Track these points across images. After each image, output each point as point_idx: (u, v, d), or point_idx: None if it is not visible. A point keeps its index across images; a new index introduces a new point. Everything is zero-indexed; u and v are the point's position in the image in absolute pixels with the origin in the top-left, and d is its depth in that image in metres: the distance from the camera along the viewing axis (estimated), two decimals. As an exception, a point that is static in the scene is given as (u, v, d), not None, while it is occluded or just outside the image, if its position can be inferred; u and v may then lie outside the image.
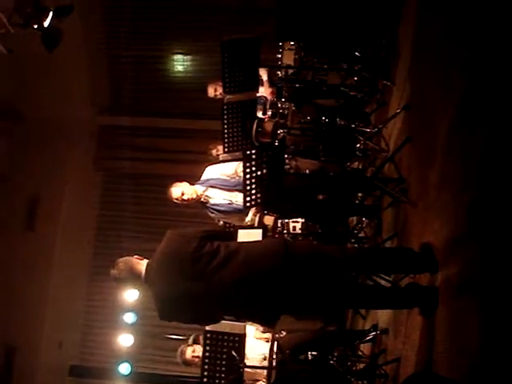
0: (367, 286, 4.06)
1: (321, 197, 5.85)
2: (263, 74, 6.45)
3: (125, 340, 7.81)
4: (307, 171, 6.00)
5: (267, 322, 3.71)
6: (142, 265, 3.58)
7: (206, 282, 3.37)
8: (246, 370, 4.31)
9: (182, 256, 3.45)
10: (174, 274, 3.44)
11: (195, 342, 5.05)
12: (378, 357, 4.80)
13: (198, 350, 4.82)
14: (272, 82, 6.53)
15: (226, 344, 4.01)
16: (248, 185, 4.03)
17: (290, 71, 6.34)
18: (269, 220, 5.19)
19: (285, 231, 6.20)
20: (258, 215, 5.05)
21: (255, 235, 3.71)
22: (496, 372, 2.50)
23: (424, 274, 3.51)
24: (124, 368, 7.62)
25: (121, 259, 3.64)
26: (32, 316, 9.01)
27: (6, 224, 9.12)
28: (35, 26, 6.01)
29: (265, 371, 4.67)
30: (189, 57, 9.95)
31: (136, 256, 3.65)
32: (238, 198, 5.11)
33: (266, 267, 3.33)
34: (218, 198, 5.31)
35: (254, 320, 3.92)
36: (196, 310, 3.52)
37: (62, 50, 6.47)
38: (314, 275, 3.40)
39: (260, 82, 6.11)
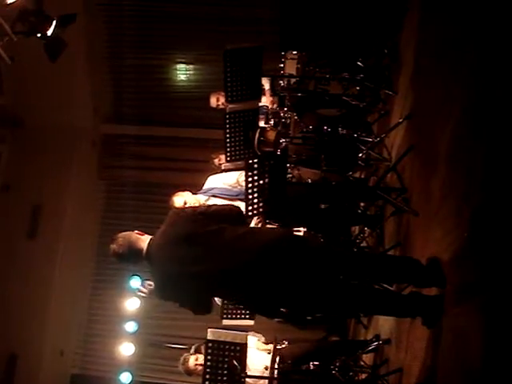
0: (372, 287, 4.00)
1: (323, 206, 5.84)
2: (265, 84, 6.47)
3: (126, 349, 7.78)
4: (309, 180, 6.00)
5: (267, 313, 3.62)
6: (143, 241, 3.51)
7: (208, 263, 3.30)
8: (248, 380, 4.29)
9: (184, 234, 3.39)
10: (176, 252, 3.38)
11: (197, 351, 5.04)
12: (379, 367, 4.78)
13: (202, 358, 4.79)
14: (274, 91, 6.55)
15: (227, 353, 4.00)
16: (250, 194, 4.02)
17: (293, 80, 6.35)
18: (271, 229, 5.17)
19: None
20: (260, 224, 5.04)
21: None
22: (500, 382, 2.49)
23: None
24: (125, 377, 7.58)
25: (121, 234, 3.56)
26: (33, 324, 8.99)
27: (8, 232, 9.12)
28: (38, 35, 6.03)
29: (266, 382, 4.65)
30: (191, 66, 9.97)
31: (137, 231, 3.59)
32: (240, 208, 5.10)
33: (272, 252, 3.25)
34: (220, 207, 5.30)
35: (255, 310, 3.85)
36: (195, 291, 3.44)
37: (65, 58, 6.48)
38: (320, 268, 3.31)
39: (262, 92, 6.11)
